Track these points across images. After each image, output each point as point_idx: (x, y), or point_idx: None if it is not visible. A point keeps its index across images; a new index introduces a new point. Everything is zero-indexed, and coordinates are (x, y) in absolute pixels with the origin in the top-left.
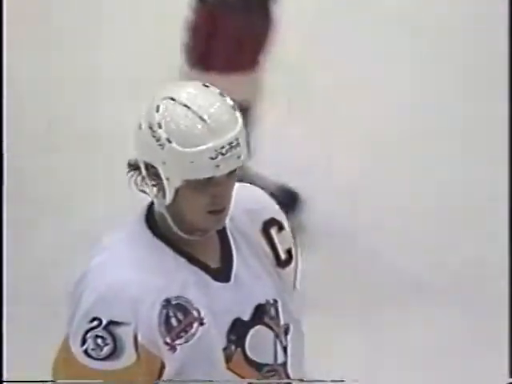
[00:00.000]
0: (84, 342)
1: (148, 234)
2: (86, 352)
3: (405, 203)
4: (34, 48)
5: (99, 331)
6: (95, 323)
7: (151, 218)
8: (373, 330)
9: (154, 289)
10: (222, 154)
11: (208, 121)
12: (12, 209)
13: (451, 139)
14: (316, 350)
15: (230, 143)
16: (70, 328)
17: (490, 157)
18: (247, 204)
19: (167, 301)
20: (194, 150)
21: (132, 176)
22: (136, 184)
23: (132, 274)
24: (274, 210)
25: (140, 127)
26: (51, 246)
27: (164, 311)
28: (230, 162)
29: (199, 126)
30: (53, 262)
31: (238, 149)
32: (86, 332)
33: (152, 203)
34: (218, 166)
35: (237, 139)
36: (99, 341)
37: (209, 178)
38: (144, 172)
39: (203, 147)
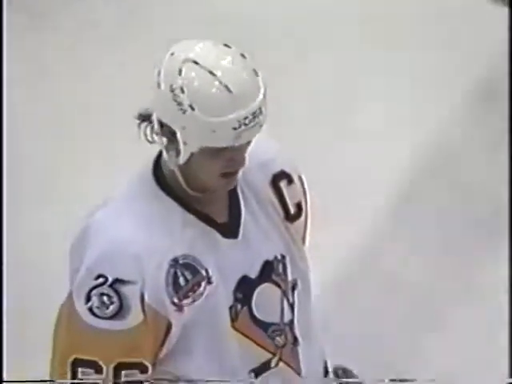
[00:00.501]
0: (89, 299)
1: (155, 188)
2: (90, 310)
3: None
4: None
5: (105, 289)
6: (100, 280)
7: (159, 172)
8: None
9: (160, 248)
10: (245, 124)
11: (234, 91)
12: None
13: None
14: None
15: (253, 113)
16: (74, 284)
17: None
18: (258, 156)
19: (175, 260)
20: (217, 119)
21: (141, 127)
22: (145, 135)
23: (137, 231)
24: (284, 162)
25: (159, 86)
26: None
27: (172, 271)
28: (251, 131)
29: (225, 96)
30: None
31: (261, 117)
32: (91, 289)
33: (159, 157)
34: (239, 135)
35: (260, 108)
36: (105, 299)
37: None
38: (157, 128)
39: (227, 117)
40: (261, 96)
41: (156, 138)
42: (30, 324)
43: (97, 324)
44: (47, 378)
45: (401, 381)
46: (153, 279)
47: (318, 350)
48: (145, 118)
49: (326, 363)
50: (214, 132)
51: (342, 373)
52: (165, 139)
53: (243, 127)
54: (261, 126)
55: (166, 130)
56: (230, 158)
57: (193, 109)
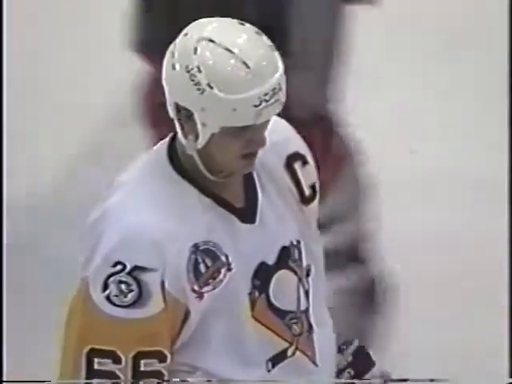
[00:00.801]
0: (106, 287)
1: (172, 172)
2: (108, 298)
3: None
4: None
5: (123, 276)
6: (118, 268)
7: (174, 156)
8: None
9: (180, 234)
10: (266, 101)
11: (252, 66)
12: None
13: None
14: None
15: (273, 89)
16: (89, 271)
17: None
18: (270, 137)
19: (195, 246)
20: (237, 97)
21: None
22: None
23: (156, 217)
24: (298, 143)
25: (174, 67)
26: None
27: (192, 257)
28: (272, 108)
29: (243, 73)
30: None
31: (280, 93)
32: (108, 277)
33: (173, 139)
34: (260, 113)
35: (279, 83)
36: (123, 286)
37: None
38: (174, 112)
39: (247, 94)
40: (279, 71)
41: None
42: (30, 323)
43: (115, 313)
44: (47, 378)
45: (399, 380)
46: (173, 266)
47: (331, 336)
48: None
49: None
50: (234, 110)
51: (353, 347)
52: (183, 123)
53: (264, 104)
54: (281, 102)
55: (183, 113)
56: (249, 138)
57: (211, 87)
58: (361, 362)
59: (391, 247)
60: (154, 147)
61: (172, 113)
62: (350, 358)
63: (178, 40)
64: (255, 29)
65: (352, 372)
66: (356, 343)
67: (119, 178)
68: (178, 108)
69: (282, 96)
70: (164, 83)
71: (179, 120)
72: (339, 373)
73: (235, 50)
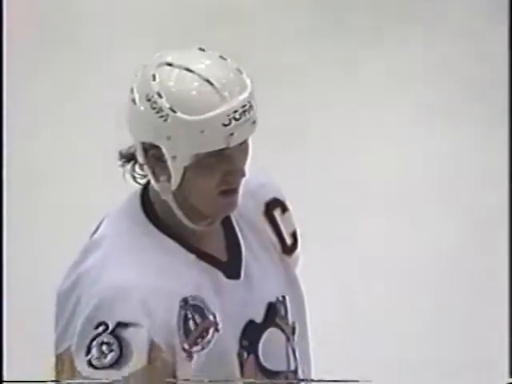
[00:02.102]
0: (89, 351)
1: (149, 226)
2: (89, 362)
3: None
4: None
5: (105, 336)
6: (101, 329)
7: (149, 208)
8: None
9: (166, 289)
10: (236, 120)
11: (215, 83)
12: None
13: None
14: None
15: (242, 106)
16: (71, 340)
17: None
18: (248, 183)
19: (185, 301)
20: (203, 117)
21: (125, 167)
22: (133, 176)
23: (138, 272)
24: (275, 188)
25: (134, 102)
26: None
27: (182, 313)
28: (244, 127)
29: (207, 90)
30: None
31: (252, 112)
32: (92, 340)
33: (144, 192)
34: (231, 133)
35: (249, 101)
36: (104, 348)
37: (221, 151)
38: (142, 157)
39: (214, 113)
40: (248, 90)
41: (142, 171)
42: (31, 324)
43: (95, 376)
44: (47, 378)
45: None
46: (163, 323)
47: None
48: (127, 157)
49: None
50: (202, 133)
51: None
52: (153, 166)
53: (234, 122)
54: (253, 122)
55: (151, 154)
56: (226, 169)
57: (174, 111)
58: None
59: None
60: (124, 201)
61: (140, 158)
62: None
63: (137, 74)
64: (219, 54)
65: None
66: None
67: (91, 239)
68: (145, 149)
69: (254, 115)
70: (128, 125)
71: (148, 164)
72: None
73: (196, 69)
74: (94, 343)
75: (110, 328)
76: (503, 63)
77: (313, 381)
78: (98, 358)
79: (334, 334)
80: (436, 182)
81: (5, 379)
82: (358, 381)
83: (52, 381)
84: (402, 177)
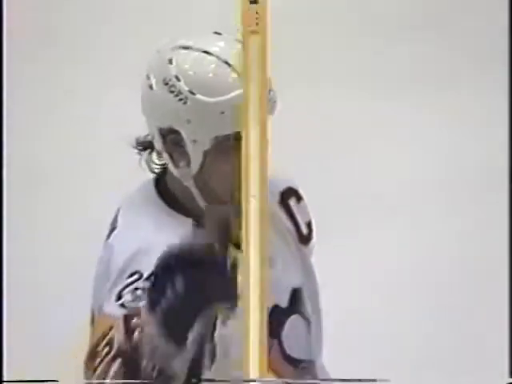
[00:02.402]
0: (120, 297)
1: (169, 210)
2: (122, 306)
3: None
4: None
5: (140, 283)
6: (135, 277)
7: (167, 196)
8: None
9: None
10: None
11: (233, 64)
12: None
13: None
14: None
15: None
16: (104, 295)
17: None
18: None
19: None
20: (222, 98)
21: (142, 155)
22: (149, 165)
23: (166, 239)
24: (288, 178)
25: (151, 88)
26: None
27: None
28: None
29: (226, 72)
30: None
31: (272, 93)
32: (124, 288)
33: (157, 181)
34: None
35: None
36: (138, 292)
37: (240, 133)
38: (160, 143)
39: (234, 93)
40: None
41: (160, 159)
42: (31, 324)
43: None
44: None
45: None
46: None
47: None
48: (144, 144)
49: None
50: (222, 114)
51: None
52: (171, 152)
53: None
54: (274, 102)
55: (169, 139)
56: None
57: (193, 94)
58: None
59: None
60: (134, 191)
61: (157, 145)
62: None
63: (150, 60)
64: (234, 36)
65: None
66: None
67: (112, 233)
68: (163, 135)
69: (274, 95)
70: (144, 114)
71: (166, 150)
72: None
73: (214, 51)
74: (127, 290)
75: (145, 276)
76: (503, 63)
77: (329, 380)
78: (133, 301)
79: (334, 333)
80: (436, 182)
81: (5, 379)
82: (375, 380)
83: (52, 381)
84: (402, 177)
